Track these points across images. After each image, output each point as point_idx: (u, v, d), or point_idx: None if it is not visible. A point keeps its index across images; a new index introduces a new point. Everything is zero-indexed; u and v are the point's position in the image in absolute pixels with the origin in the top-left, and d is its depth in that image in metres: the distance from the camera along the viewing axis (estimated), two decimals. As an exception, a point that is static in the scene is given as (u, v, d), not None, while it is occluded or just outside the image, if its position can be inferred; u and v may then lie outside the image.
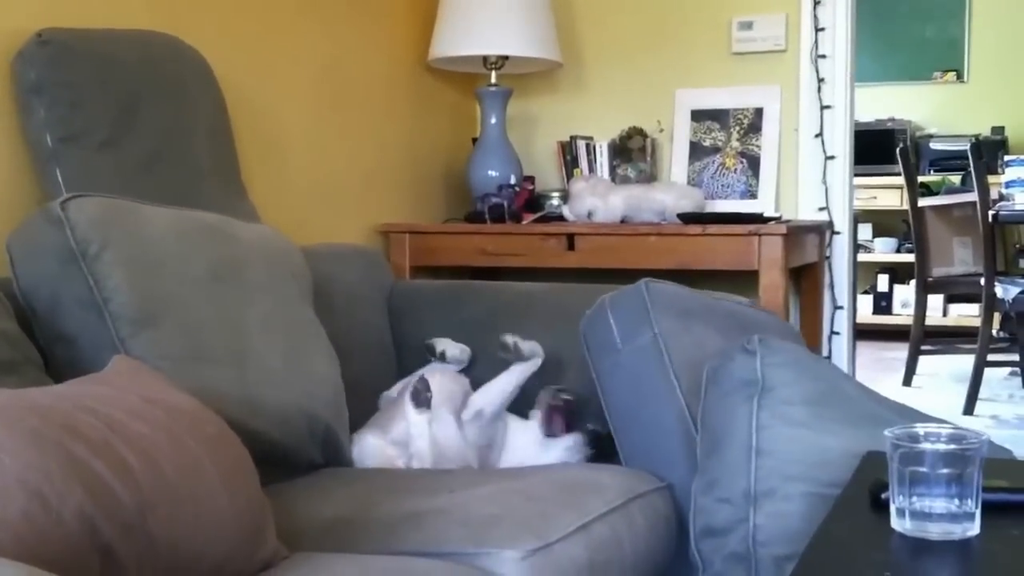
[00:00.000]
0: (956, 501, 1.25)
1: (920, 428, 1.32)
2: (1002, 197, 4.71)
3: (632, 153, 3.25)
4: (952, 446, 1.27)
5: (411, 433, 2.04)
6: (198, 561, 1.26)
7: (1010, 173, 4.66)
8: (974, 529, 1.25)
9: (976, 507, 1.26)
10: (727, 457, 1.79)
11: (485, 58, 3.12)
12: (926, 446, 1.27)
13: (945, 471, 1.25)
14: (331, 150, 2.85)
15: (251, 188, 2.35)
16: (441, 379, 2.14)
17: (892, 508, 1.28)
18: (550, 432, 2.10)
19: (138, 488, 1.18)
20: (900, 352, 5.41)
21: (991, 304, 4.63)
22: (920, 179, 5.74)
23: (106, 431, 1.20)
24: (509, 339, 2.20)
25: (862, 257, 6.10)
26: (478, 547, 1.52)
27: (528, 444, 2.11)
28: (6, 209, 1.91)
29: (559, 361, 2.27)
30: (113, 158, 1.99)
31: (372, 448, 2.05)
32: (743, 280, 2.79)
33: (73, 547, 1.08)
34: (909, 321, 5.32)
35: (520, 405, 2.19)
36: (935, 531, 1.25)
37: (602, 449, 2.07)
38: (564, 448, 2.08)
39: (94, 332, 1.68)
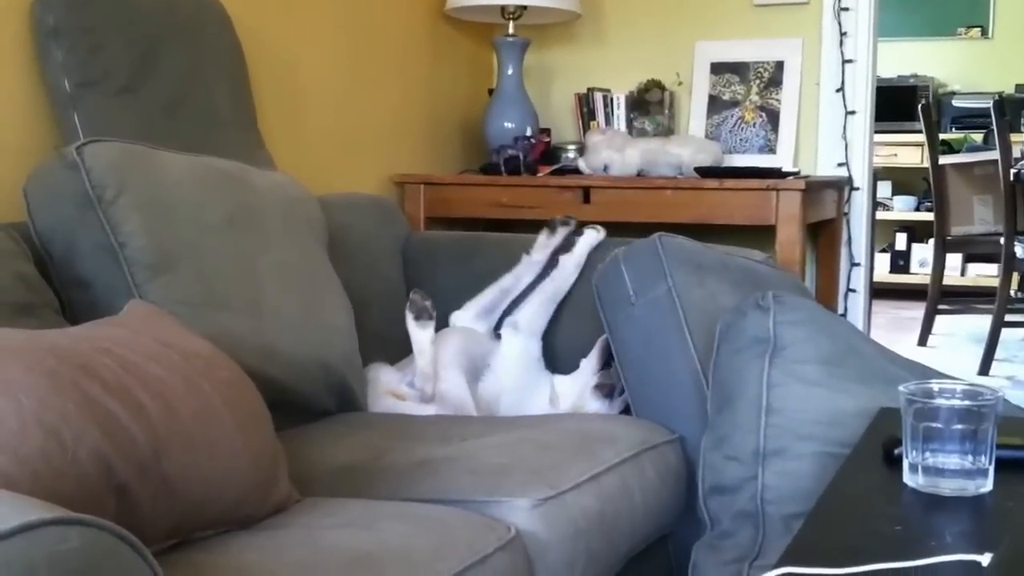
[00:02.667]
0: (970, 457, 1.25)
1: (935, 384, 1.32)
2: (1024, 156, 4.66)
3: (650, 106, 3.22)
4: (967, 402, 1.27)
5: (413, 349, 2.04)
6: (212, 503, 1.27)
7: (1033, 131, 4.61)
8: (987, 485, 1.25)
9: (990, 463, 1.25)
10: (737, 414, 1.79)
11: (503, 7, 3.09)
12: (941, 402, 1.27)
13: (959, 427, 1.24)
14: (347, 99, 2.84)
15: (267, 136, 2.35)
16: (458, 338, 2.15)
17: (905, 463, 1.28)
18: (602, 387, 2.12)
19: (153, 429, 1.19)
20: (916, 312, 5.39)
21: (1010, 264, 4.60)
22: (942, 137, 5.69)
23: (122, 373, 1.21)
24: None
25: (880, 215, 6.07)
26: (489, 495, 1.52)
27: (575, 386, 2.15)
28: (24, 154, 1.90)
29: (571, 313, 2.27)
30: (131, 104, 1.99)
31: (381, 381, 2.06)
32: (760, 235, 2.77)
33: (89, 486, 1.09)
34: (926, 280, 5.29)
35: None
36: (948, 487, 1.25)
37: None
38: (602, 372, 2.12)
39: (110, 277, 1.68)
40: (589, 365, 2.16)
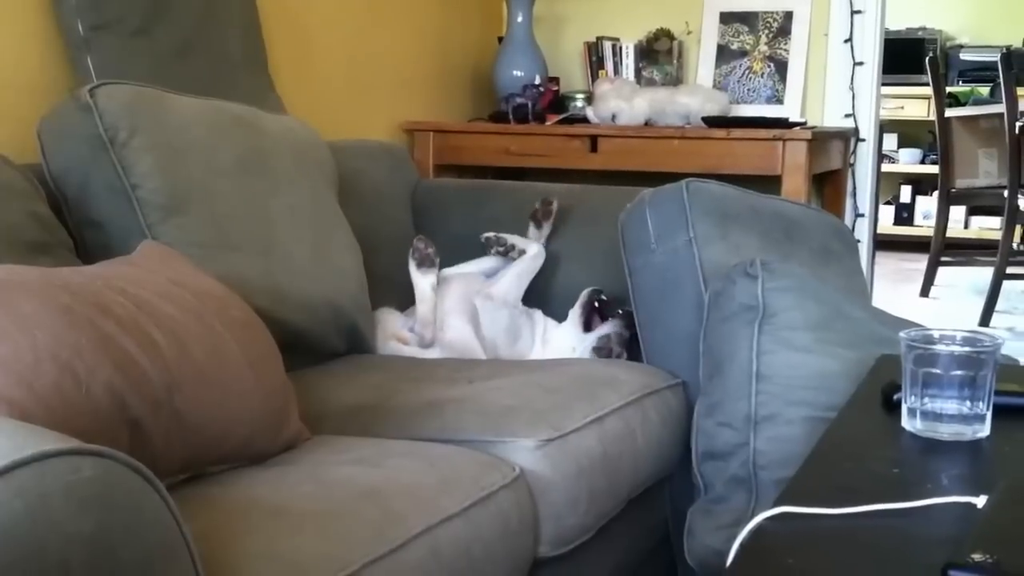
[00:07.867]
0: (968, 403, 1.26)
1: (935, 331, 1.33)
2: (1031, 109, 4.65)
3: (659, 55, 3.21)
4: (967, 348, 1.28)
5: (416, 296, 2.07)
6: (224, 439, 1.30)
7: (1040, 85, 4.59)
8: (984, 431, 1.27)
9: (987, 409, 1.27)
10: (728, 382, 1.80)
11: (513, -46, 3.07)
12: (940, 348, 1.28)
13: (958, 373, 1.26)
14: (358, 45, 2.83)
15: (277, 81, 2.35)
16: (459, 284, 2.16)
17: (904, 408, 1.29)
18: (587, 327, 2.12)
19: (166, 366, 1.21)
20: (919, 263, 5.40)
21: (1013, 217, 4.61)
22: (948, 90, 5.66)
23: (135, 310, 1.23)
24: (493, 235, 2.22)
25: (886, 167, 6.04)
26: (495, 435, 1.55)
27: (565, 339, 2.14)
28: (38, 96, 1.91)
29: (580, 261, 2.28)
30: (144, 46, 1.99)
31: (387, 326, 2.08)
32: (766, 185, 2.77)
33: (103, 420, 1.11)
34: (930, 232, 5.29)
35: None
36: (946, 432, 1.26)
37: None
38: (599, 336, 2.10)
39: (123, 218, 1.70)
40: (574, 317, 2.16)
